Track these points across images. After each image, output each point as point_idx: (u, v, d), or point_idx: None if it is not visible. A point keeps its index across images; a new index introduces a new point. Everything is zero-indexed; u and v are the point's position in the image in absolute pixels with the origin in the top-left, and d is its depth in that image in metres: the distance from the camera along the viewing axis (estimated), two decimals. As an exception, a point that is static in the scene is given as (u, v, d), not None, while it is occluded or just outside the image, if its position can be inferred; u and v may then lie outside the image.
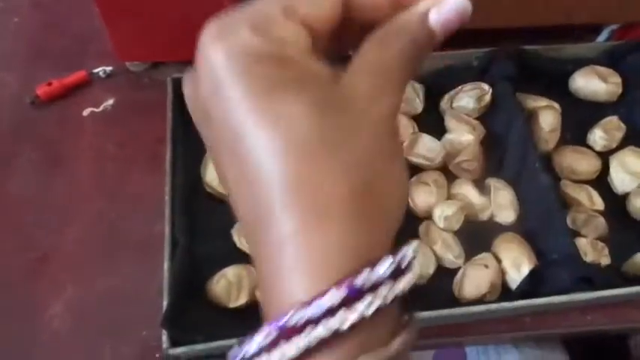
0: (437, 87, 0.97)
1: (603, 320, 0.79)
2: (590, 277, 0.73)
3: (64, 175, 0.91)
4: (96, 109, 0.99)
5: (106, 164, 0.93)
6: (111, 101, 1.00)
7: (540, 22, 0.97)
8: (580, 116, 0.97)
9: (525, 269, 0.76)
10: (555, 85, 0.99)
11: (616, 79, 0.96)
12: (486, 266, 0.75)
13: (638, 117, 0.96)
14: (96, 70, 1.03)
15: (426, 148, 0.88)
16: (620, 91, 0.96)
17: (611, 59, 0.99)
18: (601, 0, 0.94)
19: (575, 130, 0.95)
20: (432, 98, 0.97)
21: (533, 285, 0.75)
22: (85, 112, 0.98)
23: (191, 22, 1.01)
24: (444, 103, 0.96)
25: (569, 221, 0.83)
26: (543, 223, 0.81)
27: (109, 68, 1.03)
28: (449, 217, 0.80)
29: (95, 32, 1.04)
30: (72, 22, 1.11)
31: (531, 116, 0.93)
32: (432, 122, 0.95)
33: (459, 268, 0.79)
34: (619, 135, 0.92)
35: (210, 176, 0.85)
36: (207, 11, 0.95)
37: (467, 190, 0.85)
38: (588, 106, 0.98)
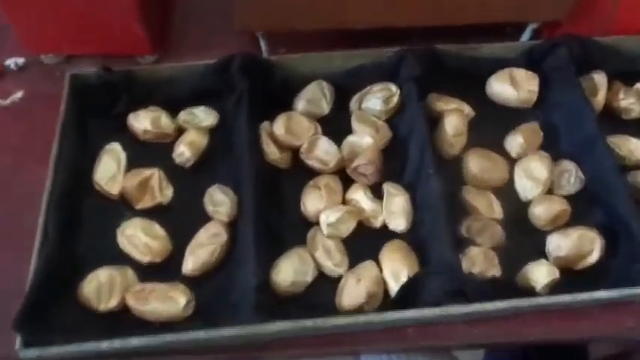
0: (347, 87, 0.94)
1: (490, 333, 0.76)
2: (463, 289, 0.70)
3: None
4: (3, 101, 0.98)
5: (5, 155, 0.92)
6: (20, 94, 0.99)
7: (454, 21, 0.93)
8: (498, 120, 0.93)
9: (403, 279, 0.73)
10: (474, 87, 0.96)
11: (532, 86, 0.92)
12: (359, 279, 0.72)
13: (557, 120, 0.92)
14: (7, 62, 1.02)
15: (324, 151, 0.86)
16: (534, 98, 0.92)
17: (530, 60, 0.95)
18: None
19: (492, 135, 0.92)
20: (343, 98, 0.94)
21: (409, 295, 0.72)
22: (-7, 104, 0.97)
23: (97, 15, 1.00)
24: (352, 104, 0.93)
25: (463, 229, 0.80)
26: (433, 231, 0.78)
27: (20, 60, 1.02)
28: (333, 223, 0.78)
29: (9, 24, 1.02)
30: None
31: (438, 119, 0.89)
32: (340, 123, 0.92)
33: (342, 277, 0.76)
34: (537, 142, 0.88)
35: (100, 175, 0.83)
36: (110, 5, 0.91)
37: (360, 196, 0.82)
38: (507, 110, 0.94)
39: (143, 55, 0.99)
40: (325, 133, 0.90)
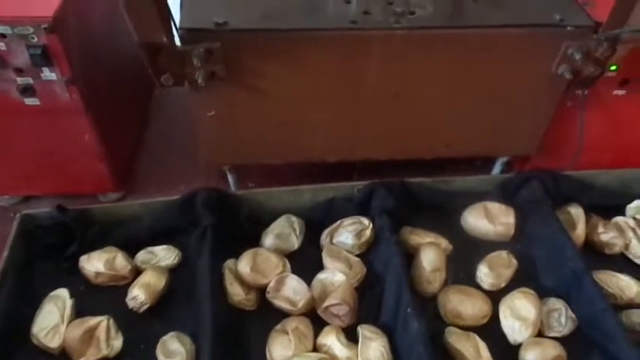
0: (318, 221, 0.90)
1: None
2: None
3: None
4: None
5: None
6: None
7: (424, 156, 0.93)
8: (473, 253, 0.89)
9: None
10: (448, 220, 0.92)
11: (508, 219, 0.89)
12: None
13: (536, 254, 0.88)
14: (-40, 203, 0.97)
15: (292, 290, 0.79)
16: (512, 232, 0.89)
17: (504, 192, 0.93)
18: (480, 134, 0.90)
19: (468, 269, 0.86)
20: (314, 232, 0.89)
21: None
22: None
23: (56, 154, 0.98)
24: (323, 239, 0.88)
25: (450, 378, 0.71)
26: (414, 380, 0.69)
27: (-26, 200, 0.98)
28: (300, 376, 0.68)
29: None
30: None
31: (414, 254, 0.84)
32: (311, 259, 0.86)
33: None
34: (508, 272, 0.83)
35: (39, 326, 0.74)
36: (71, 144, 0.86)
37: (332, 341, 0.73)
38: (482, 242, 0.90)
39: (106, 194, 0.96)
40: (295, 269, 0.84)
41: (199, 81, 0.70)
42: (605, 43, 0.73)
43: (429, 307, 0.81)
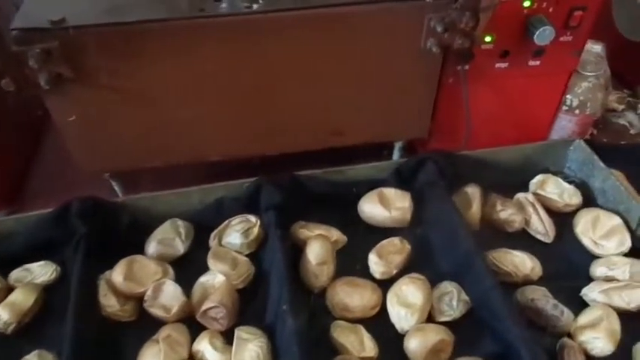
0: (208, 222, 0.86)
1: None
2: None
3: None
4: None
5: None
6: None
7: (312, 147, 0.89)
8: (371, 242, 0.85)
9: None
10: (344, 210, 0.89)
11: (403, 203, 0.86)
12: None
13: (433, 238, 0.85)
14: None
15: (169, 296, 0.75)
16: (408, 216, 0.86)
17: (400, 177, 0.90)
18: (368, 119, 0.87)
19: (364, 259, 0.83)
20: (204, 235, 0.86)
21: None
22: None
23: None
24: (211, 240, 0.85)
25: (331, 373, 0.67)
26: (289, 379, 0.65)
27: None
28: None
29: None
30: None
31: (302, 249, 0.81)
32: (201, 263, 0.82)
33: None
34: (399, 259, 0.80)
35: None
36: None
37: (205, 346, 0.69)
38: (380, 230, 0.87)
39: (-11, 212, 0.91)
40: (182, 275, 0.80)
41: (42, 84, 0.67)
42: (468, 13, 0.70)
43: (318, 301, 0.77)
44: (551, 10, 0.80)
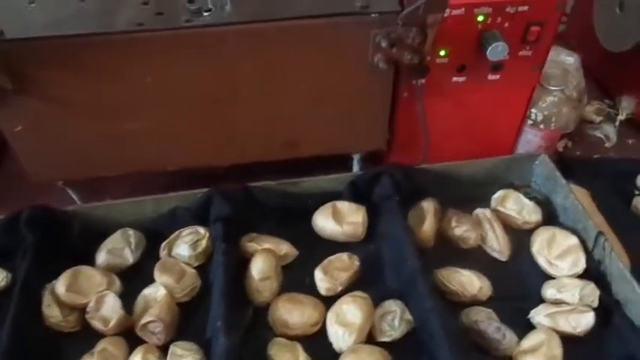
0: (160, 233, 0.86)
1: None
2: None
3: None
4: None
5: None
6: None
7: (263, 158, 0.89)
8: (322, 256, 0.84)
9: None
10: (298, 223, 0.88)
11: (356, 218, 0.85)
12: None
13: (384, 254, 0.84)
14: None
15: (109, 309, 0.75)
16: (360, 231, 0.85)
17: (355, 191, 0.89)
18: (323, 131, 0.86)
19: (314, 274, 0.82)
20: (156, 245, 0.86)
21: None
22: None
23: None
24: (161, 251, 0.85)
25: (261, 393, 0.67)
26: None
27: None
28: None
29: None
30: None
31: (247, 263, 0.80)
32: (151, 274, 0.82)
33: None
34: (344, 275, 0.79)
35: None
36: None
37: (138, 362, 0.70)
38: (333, 245, 0.86)
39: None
40: (131, 286, 0.80)
41: (-21, 94, 0.67)
42: (415, 28, 0.69)
43: (261, 317, 0.77)
44: (506, 25, 0.78)
